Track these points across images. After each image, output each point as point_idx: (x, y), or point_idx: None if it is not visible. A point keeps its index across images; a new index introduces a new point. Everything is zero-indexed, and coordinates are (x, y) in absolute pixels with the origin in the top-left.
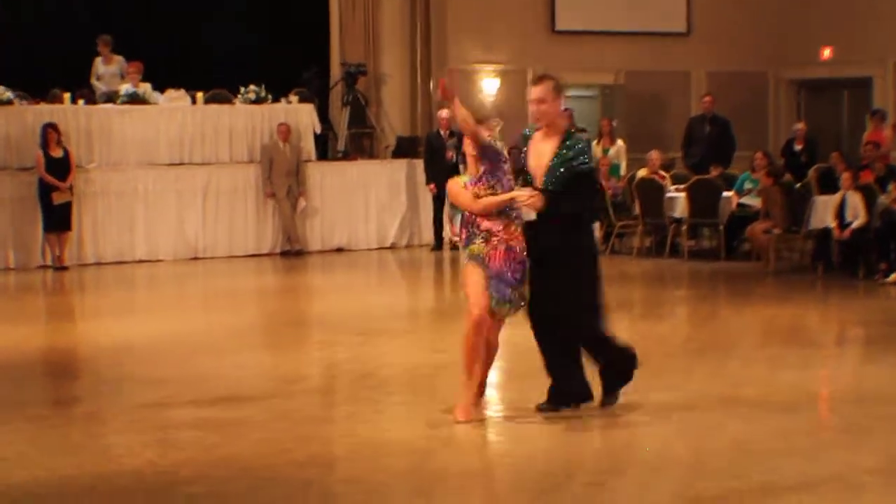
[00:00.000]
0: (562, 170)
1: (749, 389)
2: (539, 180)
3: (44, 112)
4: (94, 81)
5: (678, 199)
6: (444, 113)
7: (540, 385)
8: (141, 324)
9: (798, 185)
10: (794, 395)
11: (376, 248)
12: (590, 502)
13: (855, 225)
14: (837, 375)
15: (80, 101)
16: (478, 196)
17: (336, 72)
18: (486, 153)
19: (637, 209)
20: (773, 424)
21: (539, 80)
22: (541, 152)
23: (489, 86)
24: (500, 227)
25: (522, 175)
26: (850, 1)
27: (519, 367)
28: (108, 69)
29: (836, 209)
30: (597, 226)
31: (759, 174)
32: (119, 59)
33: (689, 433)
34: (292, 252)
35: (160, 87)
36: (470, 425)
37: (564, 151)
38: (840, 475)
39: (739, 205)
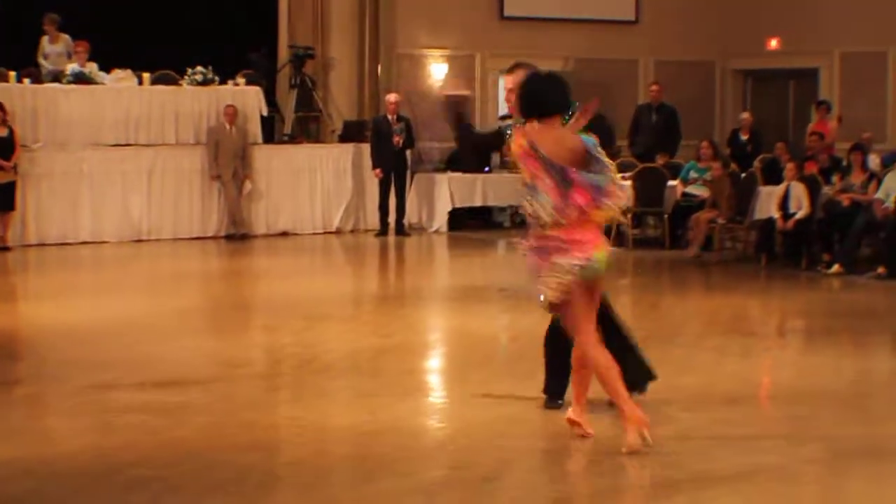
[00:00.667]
0: None
1: (691, 378)
2: None
3: None
4: (40, 60)
5: (623, 188)
6: (391, 97)
7: (488, 372)
8: (84, 306)
9: (743, 175)
10: (735, 385)
11: (321, 233)
12: (530, 490)
13: (798, 216)
14: (779, 366)
15: (26, 80)
16: None
17: (284, 54)
18: None
19: None
20: (714, 414)
21: (511, 69)
22: None
23: (438, 71)
24: None
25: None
26: None
27: (467, 354)
28: (54, 48)
29: (780, 200)
30: None
31: (706, 163)
32: (65, 37)
33: None
34: (237, 235)
35: (107, 67)
36: (414, 411)
37: None
38: (779, 465)
39: (685, 194)
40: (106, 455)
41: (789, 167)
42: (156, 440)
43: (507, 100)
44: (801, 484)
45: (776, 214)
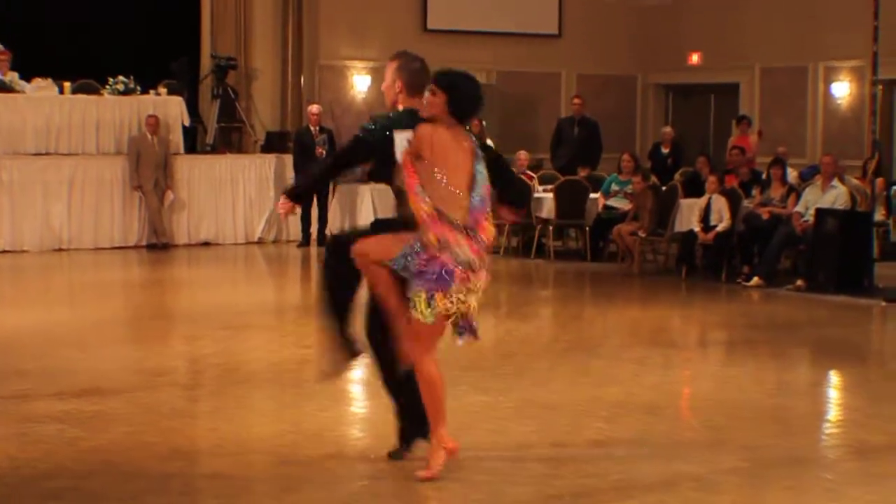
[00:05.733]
0: None
1: (612, 389)
2: None
3: None
4: None
5: (545, 200)
6: (314, 109)
7: None
8: (3, 315)
9: (664, 188)
10: (656, 396)
11: (243, 243)
12: (450, 498)
13: (719, 228)
14: (699, 377)
15: None
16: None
17: (206, 64)
18: None
19: None
20: (635, 424)
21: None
22: None
23: (361, 82)
24: None
25: None
26: (719, 7)
27: None
28: None
29: (701, 212)
30: None
31: (627, 176)
32: None
33: (550, 431)
34: (158, 245)
35: (27, 76)
36: (336, 421)
37: None
38: (698, 475)
39: (606, 206)
40: (23, 465)
41: (711, 180)
42: (74, 450)
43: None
44: (721, 493)
45: (697, 227)
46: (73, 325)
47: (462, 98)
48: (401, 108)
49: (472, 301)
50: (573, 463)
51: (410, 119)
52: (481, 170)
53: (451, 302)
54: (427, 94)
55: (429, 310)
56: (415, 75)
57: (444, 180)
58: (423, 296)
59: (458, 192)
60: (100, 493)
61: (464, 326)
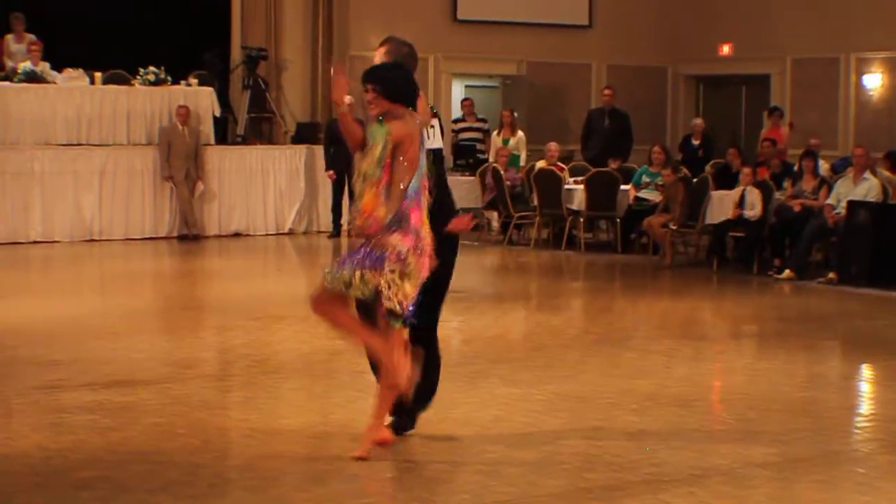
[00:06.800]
0: None
1: (643, 382)
2: None
3: None
4: (6, 60)
5: (576, 192)
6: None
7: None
8: (35, 305)
9: (695, 180)
10: (687, 389)
11: (274, 234)
12: (481, 491)
13: (749, 216)
14: (730, 370)
15: None
16: None
17: (237, 55)
18: None
19: (535, 200)
20: (666, 417)
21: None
22: None
23: None
24: None
25: None
26: None
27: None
28: (20, 47)
29: (737, 203)
30: (494, 215)
31: (658, 168)
32: (30, 37)
33: (581, 424)
34: (189, 236)
35: (58, 67)
36: (365, 413)
37: None
38: (729, 468)
39: (637, 198)
40: (55, 455)
41: (745, 172)
42: (105, 440)
43: None
44: (752, 487)
45: (732, 216)
46: (104, 316)
47: (395, 83)
48: None
49: (408, 287)
50: (605, 455)
51: None
52: (423, 161)
53: (385, 281)
54: (367, 96)
55: (365, 286)
56: (404, 60)
57: (402, 184)
58: (358, 273)
59: (402, 187)
60: (130, 483)
61: (404, 315)
